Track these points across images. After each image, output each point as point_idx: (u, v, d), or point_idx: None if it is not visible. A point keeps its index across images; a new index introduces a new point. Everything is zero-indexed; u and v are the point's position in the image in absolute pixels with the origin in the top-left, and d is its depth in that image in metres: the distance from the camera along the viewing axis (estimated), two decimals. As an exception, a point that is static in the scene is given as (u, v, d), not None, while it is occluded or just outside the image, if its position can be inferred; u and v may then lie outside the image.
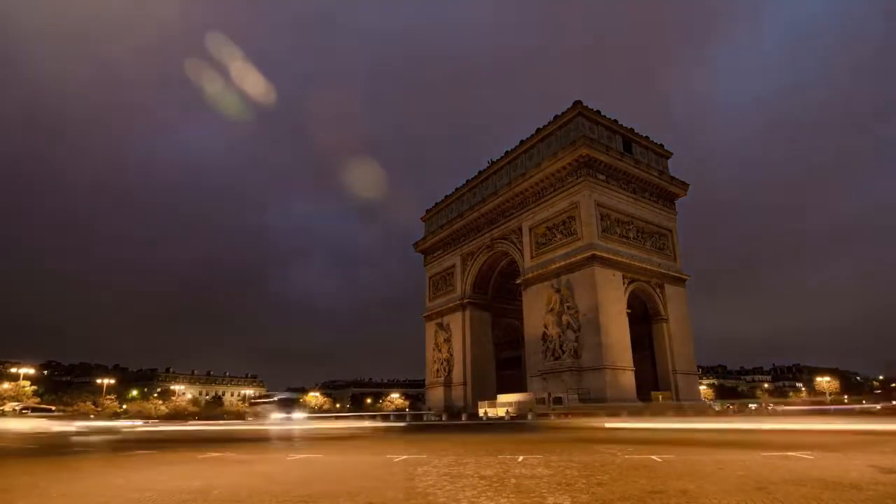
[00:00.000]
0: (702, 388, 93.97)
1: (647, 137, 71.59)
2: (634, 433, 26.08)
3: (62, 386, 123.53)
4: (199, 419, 66.29)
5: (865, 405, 66.64)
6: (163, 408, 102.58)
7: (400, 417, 72.06)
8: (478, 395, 73.30)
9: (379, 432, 35.53)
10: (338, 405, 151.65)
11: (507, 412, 59.95)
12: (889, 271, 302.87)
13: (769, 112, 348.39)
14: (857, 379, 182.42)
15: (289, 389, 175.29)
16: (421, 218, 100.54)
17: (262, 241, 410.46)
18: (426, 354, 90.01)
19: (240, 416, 72.61)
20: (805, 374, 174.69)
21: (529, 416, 54.04)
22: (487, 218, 78.59)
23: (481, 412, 64.06)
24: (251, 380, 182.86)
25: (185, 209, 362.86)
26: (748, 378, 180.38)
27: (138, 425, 47.08)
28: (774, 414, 52.20)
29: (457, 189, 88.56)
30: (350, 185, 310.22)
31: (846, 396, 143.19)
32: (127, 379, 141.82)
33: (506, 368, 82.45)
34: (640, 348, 63.56)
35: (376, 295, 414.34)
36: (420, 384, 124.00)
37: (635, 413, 42.34)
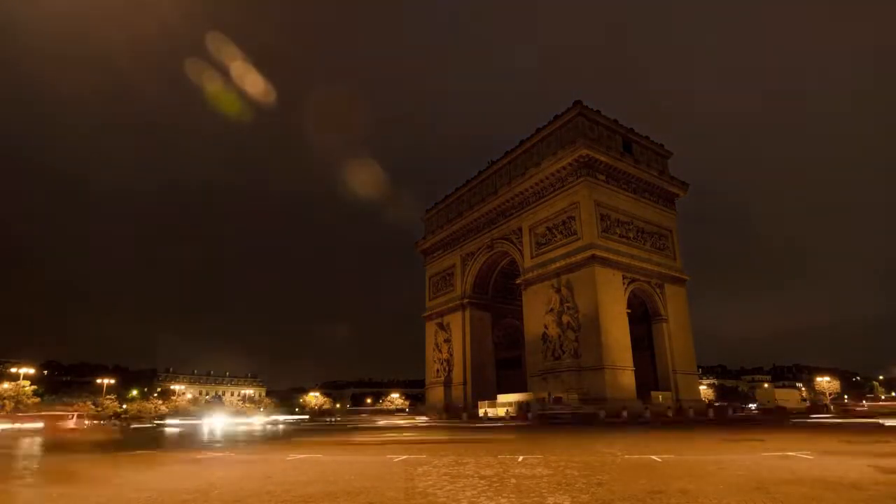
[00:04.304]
0: (702, 388, 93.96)
1: (647, 137, 71.54)
2: None
3: (62, 386, 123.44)
4: None
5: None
6: (163, 408, 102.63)
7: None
8: (478, 395, 73.22)
9: None
10: (338, 405, 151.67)
11: (507, 412, 59.91)
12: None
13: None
14: (857, 379, 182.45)
15: (290, 389, 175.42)
16: (422, 218, 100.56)
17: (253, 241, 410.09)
18: (426, 354, 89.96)
19: None
20: (805, 374, 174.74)
21: (529, 416, 54.02)
22: (487, 218, 78.53)
23: (481, 412, 63.99)
24: (252, 380, 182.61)
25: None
26: (748, 378, 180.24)
27: None
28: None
29: (457, 189, 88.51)
30: (353, 184, 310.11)
31: (846, 396, 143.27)
32: (127, 379, 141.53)
33: (506, 368, 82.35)
34: (640, 348, 63.51)
35: (377, 294, 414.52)
36: (420, 384, 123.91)
37: None
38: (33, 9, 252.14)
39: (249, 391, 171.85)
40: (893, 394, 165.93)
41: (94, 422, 61.44)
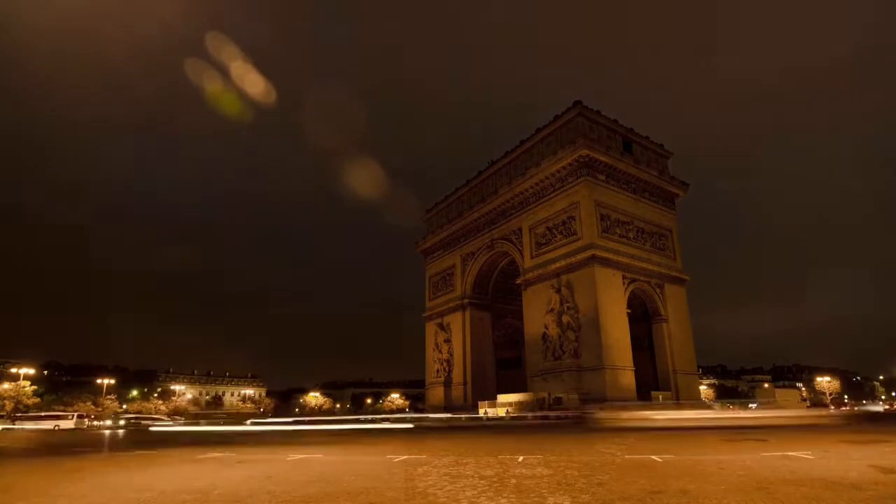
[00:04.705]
0: (702, 388, 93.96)
1: (647, 137, 71.53)
2: None
3: (62, 386, 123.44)
4: None
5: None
6: (163, 408, 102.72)
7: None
8: (478, 395, 73.17)
9: None
10: (338, 405, 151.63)
11: (507, 412, 59.88)
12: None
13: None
14: (857, 379, 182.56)
15: (289, 389, 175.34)
16: (422, 218, 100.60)
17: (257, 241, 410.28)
18: (426, 354, 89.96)
19: None
20: (805, 373, 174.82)
21: (529, 416, 53.99)
22: (487, 218, 78.52)
23: (481, 412, 63.96)
24: (252, 380, 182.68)
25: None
26: (748, 378, 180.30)
27: None
28: None
29: (457, 189, 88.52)
30: (353, 185, 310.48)
31: (846, 396, 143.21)
32: (127, 379, 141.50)
33: (506, 368, 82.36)
34: (640, 348, 63.51)
35: (377, 294, 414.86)
36: (420, 384, 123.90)
37: None
38: (36, 9, 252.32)
39: (249, 391, 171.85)
40: (894, 394, 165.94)
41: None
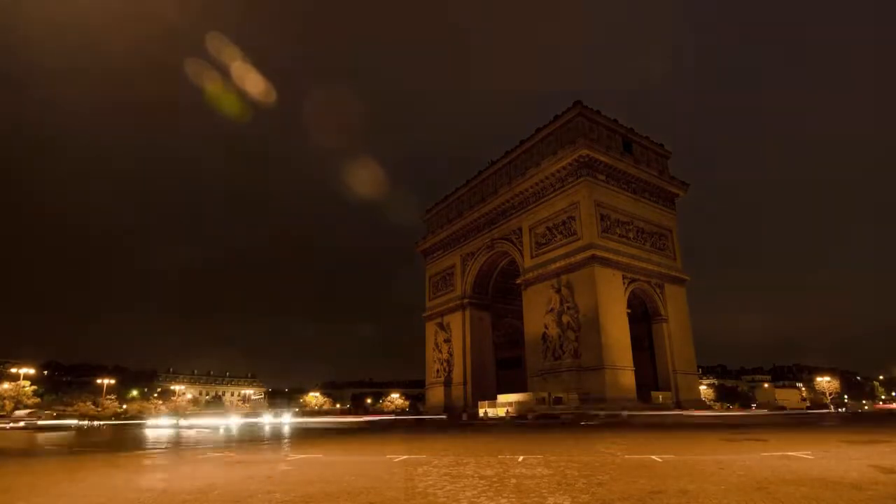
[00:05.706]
0: (702, 388, 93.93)
1: (647, 137, 71.53)
2: None
3: (62, 386, 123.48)
4: None
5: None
6: (163, 408, 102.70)
7: None
8: (478, 395, 73.18)
9: None
10: (338, 405, 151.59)
11: (507, 412, 59.87)
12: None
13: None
14: (857, 379, 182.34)
15: (289, 389, 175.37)
16: (422, 218, 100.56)
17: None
18: (426, 354, 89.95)
19: None
20: (805, 373, 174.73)
21: (529, 416, 53.98)
22: (487, 218, 78.51)
23: (481, 412, 63.95)
24: (251, 380, 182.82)
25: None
26: (748, 378, 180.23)
27: None
28: None
29: (457, 189, 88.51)
30: (352, 184, 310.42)
31: (846, 396, 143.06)
32: (127, 379, 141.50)
33: (506, 368, 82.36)
34: (640, 348, 63.51)
35: (376, 294, 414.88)
36: (420, 384, 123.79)
37: None
38: (35, 9, 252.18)
39: (249, 391, 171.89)
40: (894, 394, 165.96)
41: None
